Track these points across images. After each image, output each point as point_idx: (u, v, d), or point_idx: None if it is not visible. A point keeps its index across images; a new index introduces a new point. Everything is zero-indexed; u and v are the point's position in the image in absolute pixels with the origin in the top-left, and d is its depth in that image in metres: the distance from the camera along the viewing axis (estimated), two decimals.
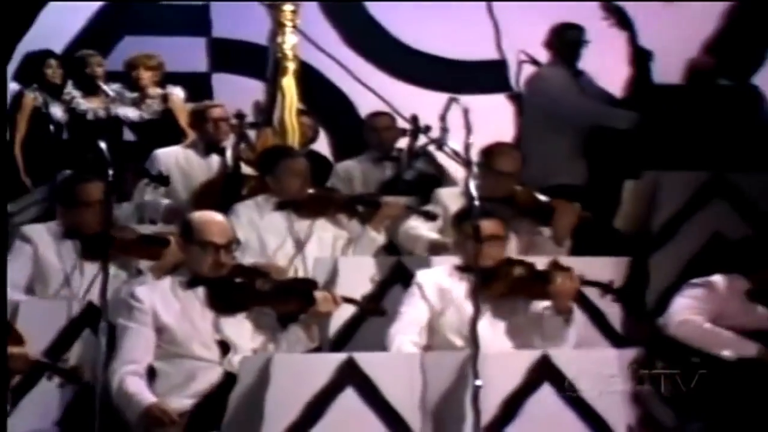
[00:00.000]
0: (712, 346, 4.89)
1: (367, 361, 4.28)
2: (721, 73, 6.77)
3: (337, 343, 5.19)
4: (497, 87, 7.67)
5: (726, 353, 4.87)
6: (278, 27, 6.10)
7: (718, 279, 5.09)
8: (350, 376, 4.23)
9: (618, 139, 6.49)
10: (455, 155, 5.26)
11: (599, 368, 4.40)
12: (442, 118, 5.69)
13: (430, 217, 5.45)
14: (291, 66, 6.16)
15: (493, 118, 6.78)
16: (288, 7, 6.06)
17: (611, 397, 4.34)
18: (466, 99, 6.49)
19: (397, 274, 5.33)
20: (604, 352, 4.69)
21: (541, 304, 4.76)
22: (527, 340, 4.75)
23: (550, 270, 4.72)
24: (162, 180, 6.01)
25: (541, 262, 5.10)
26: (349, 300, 4.88)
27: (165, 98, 7.01)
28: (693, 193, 5.81)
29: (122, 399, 4.37)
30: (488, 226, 4.69)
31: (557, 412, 4.30)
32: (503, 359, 4.39)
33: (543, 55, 6.91)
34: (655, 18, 7.13)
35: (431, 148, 6.52)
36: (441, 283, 4.83)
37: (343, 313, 5.11)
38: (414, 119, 6.62)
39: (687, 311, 4.97)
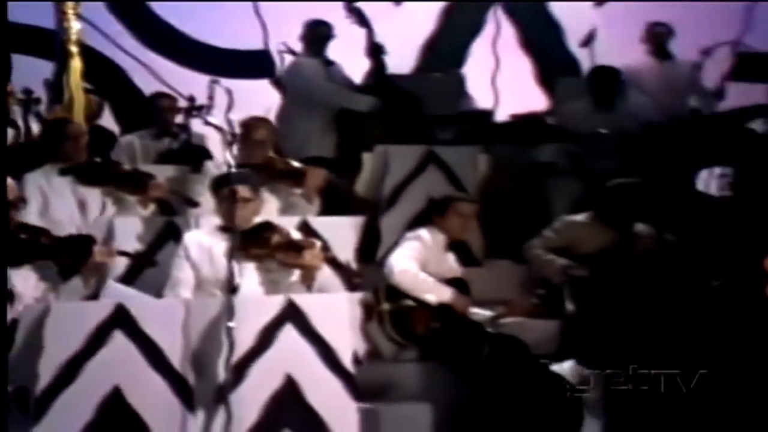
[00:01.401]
0: (420, 292, 5.00)
1: (135, 306, 4.15)
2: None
3: None
4: (263, 73, 7.54)
5: (429, 297, 4.99)
6: (62, 15, 5.84)
7: (424, 232, 5.20)
8: (119, 320, 4.08)
9: (360, 119, 6.51)
10: (218, 129, 5.14)
11: (334, 309, 4.39)
12: (210, 97, 5.57)
13: (192, 204, 5.30)
14: (75, 49, 5.90)
15: (260, 100, 6.73)
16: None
17: (343, 333, 4.33)
18: (239, 83, 6.48)
19: (168, 232, 5.19)
20: (339, 295, 4.67)
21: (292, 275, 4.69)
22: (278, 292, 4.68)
23: (304, 244, 4.63)
24: None
25: (293, 223, 5.08)
26: (124, 253, 4.74)
27: None
28: (413, 163, 5.94)
29: None
30: (240, 190, 4.59)
31: (299, 348, 4.25)
32: (254, 303, 4.31)
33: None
34: (387, 17, 7.17)
35: (199, 122, 6.36)
36: (203, 242, 4.72)
37: (120, 266, 4.94)
38: (191, 99, 6.46)
39: (404, 261, 5.04)
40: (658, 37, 6.88)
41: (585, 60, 7.09)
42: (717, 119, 6.40)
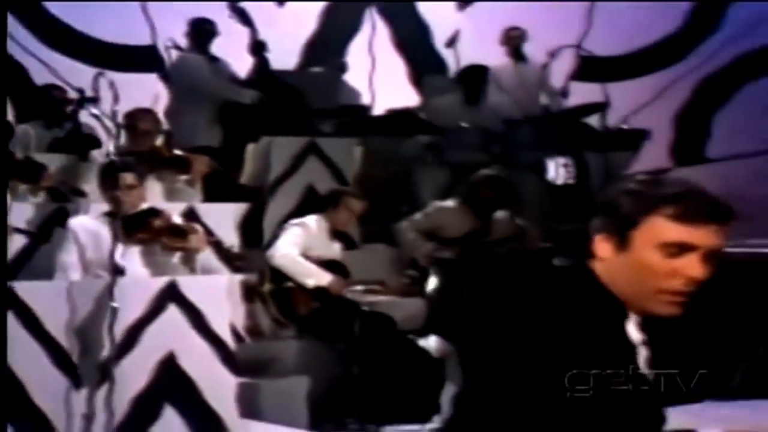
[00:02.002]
0: (300, 276, 4.97)
1: (23, 289, 4.01)
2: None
3: (11, 271, 4.81)
4: (152, 67, 7.36)
5: (309, 281, 4.97)
6: None
7: (310, 219, 5.17)
8: (9, 303, 3.93)
9: (245, 112, 6.42)
10: (99, 119, 5.01)
11: (216, 289, 4.33)
12: (95, 89, 5.39)
13: (79, 194, 5.16)
14: None
15: (150, 92, 6.56)
16: None
17: (223, 314, 4.27)
18: (128, 77, 6.30)
19: (57, 218, 5.00)
20: (220, 277, 4.62)
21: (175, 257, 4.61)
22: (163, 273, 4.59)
23: (187, 229, 4.56)
24: None
25: (178, 209, 4.97)
26: (19, 230, 4.63)
27: None
28: (295, 154, 5.91)
29: None
30: (124, 177, 4.49)
31: (181, 327, 4.18)
32: (137, 285, 4.22)
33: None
34: (270, 17, 7.10)
35: (86, 113, 6.18)
36: (89, 226, 4.61)
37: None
38: (80, 91, 6.24)
39: (286, 246, 5.01)
40: (513, 40, 7.01)
41: (451, 60, 7.16)
42: (562, 115, 6.57)
